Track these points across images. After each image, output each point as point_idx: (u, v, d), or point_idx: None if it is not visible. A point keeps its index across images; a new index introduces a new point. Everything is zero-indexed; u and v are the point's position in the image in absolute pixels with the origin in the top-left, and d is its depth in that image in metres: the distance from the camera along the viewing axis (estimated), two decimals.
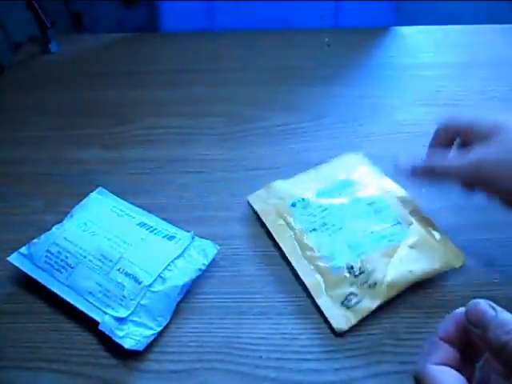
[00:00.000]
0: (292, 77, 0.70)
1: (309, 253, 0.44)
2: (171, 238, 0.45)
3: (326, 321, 0.40)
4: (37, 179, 0.55)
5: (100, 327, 0.39)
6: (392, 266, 0.42)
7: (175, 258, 0.43)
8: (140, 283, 0.40)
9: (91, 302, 0.41)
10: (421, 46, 0.76)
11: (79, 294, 0.41)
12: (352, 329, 0.40)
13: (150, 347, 0.39)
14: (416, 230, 0.45)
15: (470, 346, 0.28)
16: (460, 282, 0.43)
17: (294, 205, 0.48)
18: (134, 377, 0.38)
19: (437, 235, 0.45)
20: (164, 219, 0.48)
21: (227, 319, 0.41)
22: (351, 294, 0.40)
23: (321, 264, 0.43)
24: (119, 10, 0.99)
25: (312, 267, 0.43)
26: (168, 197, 0.52)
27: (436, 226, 0.46)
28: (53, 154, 0.59)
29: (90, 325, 0.41)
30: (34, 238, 0.45)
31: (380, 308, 0.40)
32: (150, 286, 0.40)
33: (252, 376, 0.38)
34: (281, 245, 0.46)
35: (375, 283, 0.40)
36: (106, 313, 0.40)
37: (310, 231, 0.45)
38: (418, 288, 0.42)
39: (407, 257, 0.43)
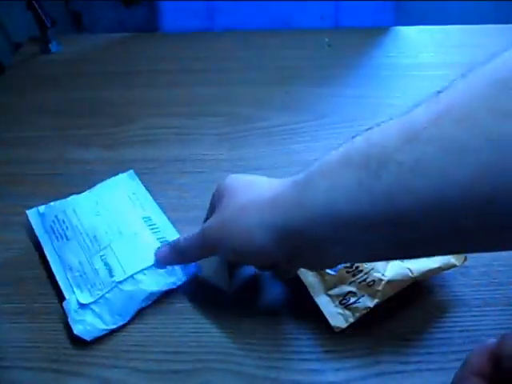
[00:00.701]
0: (292, 77, 0.70)
1: None
2: (163, 242, 0.44)
3: (325, 321, 0.40)
4: (37, 179, 0.55)
5: (63, 304, 0.40)
6: (391, 264, 0.41)
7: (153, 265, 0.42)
8: (112, 276, 0.41)
9: (67, 278, 0.42)
10: (421, 45, 0.76)
11: (62, 267, 0.43)
12: (352, 329, 0.40)
13: (150, 347, 0.40)
14: None
15: (501, 379, 0.25)
16: (460, 282, 0.43)
17: None
18: (134, 377, 0.38)
19: None
20: (173, 224, 0.47)
21: (227, 319, 0.41)
22: (350, 292, 0.40)
23: None
24: (119, 10, 1.00)
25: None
26: (168, 197, 0.52)
27: None
28: (53, 154, 0.59)
29: None
30: (33, 238, 0.45)
31: (380, 308, 0.40)
32: (120, 282, 0.41)
33: (252, 376, 0.38)
34: None
35: (374, 282, 0.40)
36: (73, 292, 0.41)
37: None
38: (417, 287, 0.42)
39: None
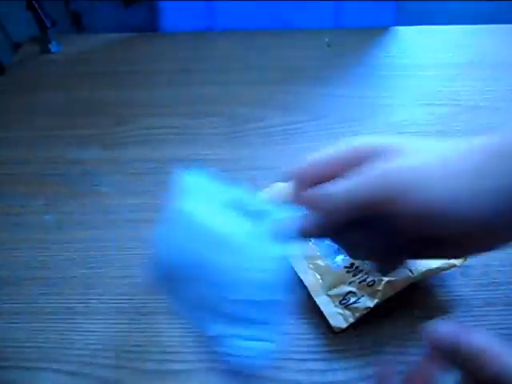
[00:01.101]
0: (292, 77, 0.70)
1: (308, 252, 0.44)
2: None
3: (325, 321, 0.40)
4: (37, 179, 0.55)
5: (208, 342, 0.34)
6: None
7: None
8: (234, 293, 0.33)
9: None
10: (421, 45, 0.76)
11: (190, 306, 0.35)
12: (352, 329, 0.40)
13: (150, 347, 0.40)
14: None
15: None
16: (460, 282, 0.43)
17: None
18: (134, 377, 0.38)
19: None
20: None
21: None
22: (350, 292, 0.40)
23: (320, 263, 0.43)
24: (119, 10, 1.00)
25: (311, 266, 0.43)
26: (168, 197, 0.52)
27: None
28: (53, 154, 0.59)
29: (90, 325, 0.41)
30: (34, 238, 0.45)
31: (379, 308, 0.40)
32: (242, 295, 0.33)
33: (252, 376, 0.38)
34: None
35: (374, 282, 0.40)
36: (209, 326, 0.33)
37: None
38: (417, 288, 0.42)
39: None
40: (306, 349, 0.39)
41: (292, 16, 0.85)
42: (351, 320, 0.39)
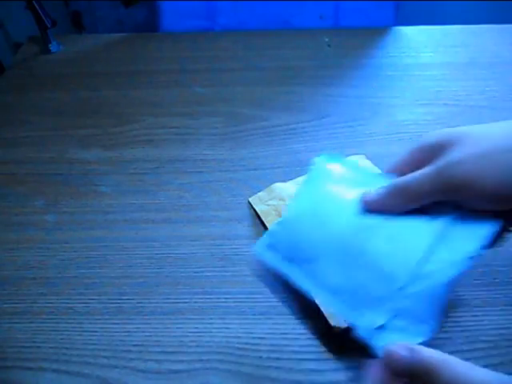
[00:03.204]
0: (292, 77, 0.70)
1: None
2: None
3: (325, 321, 0.40)
4: (37, 179, 0.55)
5: (357, 332, 0.33)
6: None
7: (433, 244, 0.34)
8: (392, 283, 0.33)
9: (336, 303, 0.34)
10: (421, 46, 0.76)
11: (323, 292, 0.35)
12: (351, 329, 0.40)
13: (150, 347, 0.40)
14: None
15: None
16: (460, 282, 0.43)
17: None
18: (134, 377, 0.38)
19: None
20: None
21: (227, 319, 0.41)
22: None
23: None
24: (119, 10, 1.00)
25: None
26: (168, 197, 0.52)
27: None
28: (53, 154, 0.59)
29: (90, 325, 0.41)
30: (34, 239, 0.45)
31: None
32: (403, 287, 0.33)
33: (252, 376, 0.38)
34: None
35: None
36: (357, 318, 0.33)
37: None
38: None
39: None
40: (306, 349, 0.39)
41: (292, 16, 0.85)
42: None
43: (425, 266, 0.33)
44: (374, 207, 0.37)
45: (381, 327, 0.33)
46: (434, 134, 0.37)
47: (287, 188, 0.50)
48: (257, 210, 0.49)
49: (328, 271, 0.35)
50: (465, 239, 0.34)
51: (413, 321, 0.32)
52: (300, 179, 0.51)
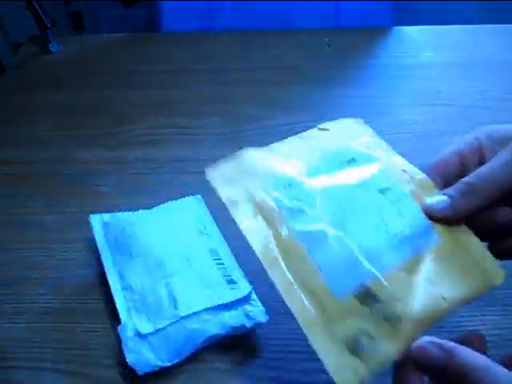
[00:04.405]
0: (292, 77, 0.70)
1: (298, 265, 0.30)
2: (230, 281, 0.41)
3: None
4: (37, 179, 0.55)
5: (119, 328, 0.38)
6: (417, 288, 0.29)
7: (221, 306, 0.39)
8: (176, 309, 0.38)
9: (125, 298, 0.40)
10: (421, 45, 0.76)
11: (120, 284, 0.41)
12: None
13: None
14: (443, 233, 0.31)
15: None
16: None
17: (276, 188, 0.33)
18: (134, 377, 0.38)
19: (470, 240, 0.31)
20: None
21: None
22: (362, 332, 0.27)
23: (317, 284, 0.29)
24: (119, 10, 1.00)
25: (303, 289, 0.29)
26: (168, 197, 0.52)
27: (465, 226, 0.31)
28: (53, 154, 0.59)
29: (90, 325, 0.41)
30: (34, 239, 0.45)
31: None
32: (184, 318, 0.38)
33: (252, 376, 0.38)
34: (256, 252, 0.30)
35: (398, 317, 0.28)
36: (131, 317, 0.38)
37: (303, 233, 0.31)
38: None
39: (435, 274, 0.29)
40: (306, 349, 0.39)
41: (292, 16, 0.85)
42: (363, 373, 0.26)
43: (204, 313, 0.38)
44: (444, 214, 0.31)
45: (140, 335, 0.37)
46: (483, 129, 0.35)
47: (263, 159, 0.36)
48: (222, 197, 0.35)
49: (138, 270, 0.41)
50: (240, 317, 0.39)
51: (166, 346, 0.37)
52: (278, 147, 0.39)
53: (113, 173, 0.56)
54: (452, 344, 0.25)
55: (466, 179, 0.31)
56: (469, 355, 0.25)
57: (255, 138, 0.60)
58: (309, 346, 0.39)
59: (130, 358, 0.37)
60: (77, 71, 0.73)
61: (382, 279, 0.29)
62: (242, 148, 0.58)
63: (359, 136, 0.38)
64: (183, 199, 0.50)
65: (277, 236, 0.31)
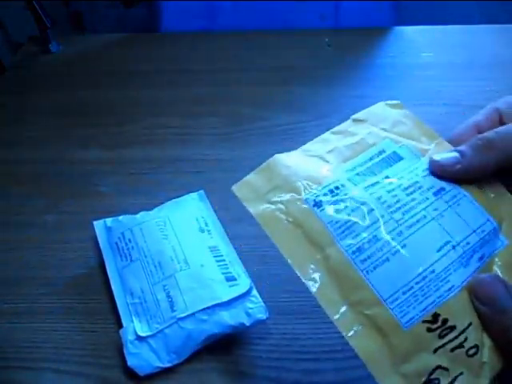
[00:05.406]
0: (292, 77, 0.70)
1: (355, 293, 0.26)
2: (230, 279, 0.41)
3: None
4: (37, 179, 0.55)
5: (120, 332, 0.39)
6: None
7: (219, 305, 0.39)
8: (173, 311, 0.39)
9: (127, 303, 0.41)
10: (421, 45, 0.76)
11: (123, 290, 0.42)
12: None
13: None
14: (510, 236, 0.28)
15: None
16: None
17: (315, 198, 0.28)
18: (134, 377, 0.38)
19: None
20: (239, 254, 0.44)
21: None
22: (438, 368, 0.24)
23: (378, 312, 0.25)
24: (119, 10, 1.00)
25: (361, 318, 0.25)
26: (168, 197, 0.52)
27: None
28: (53, 154, 0.59)
29: (90, 325, 0.41)
30: (34, 239, 0.45)
31: None
32: (180, 319, 0.39)
33: (252, 376, 0.38)
34: (304, 280, 0.26)
35: (477, 348, 0.24)
36: (132, 321, 0.39)
37: (354, 252, 0.26)
38: None
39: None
40: (306, 349, 0.39)
41: (292, 16, 0.85)
42: None
43: (202, 313, 0.39)
44: (453, 172, 0.28)
45: (140, 338, 0.38)
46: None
47: (296, 165, 0.32)
48: (252, 212, 0.31)
49: (137, 274, 0.42)
50: (240, 315, 0.39)
51: (165, 347, 0.38)
52: (310, 147, 0.36)
53: (112, 173, 0.56)
54: None
55: (482, 135, 0.29)
56: None
57: (255, 137, 0.60)
58: (309, 346, 0.40)
59: (130, 361, 0.37)
60: (77, 71, 0.73)
61: (452, 302, 0.25)
62: (241, 148, 0.58)
63: (399, 123, 0.34)
64: (186, 196, 0.50)
65: (325, 257, 0.27)
